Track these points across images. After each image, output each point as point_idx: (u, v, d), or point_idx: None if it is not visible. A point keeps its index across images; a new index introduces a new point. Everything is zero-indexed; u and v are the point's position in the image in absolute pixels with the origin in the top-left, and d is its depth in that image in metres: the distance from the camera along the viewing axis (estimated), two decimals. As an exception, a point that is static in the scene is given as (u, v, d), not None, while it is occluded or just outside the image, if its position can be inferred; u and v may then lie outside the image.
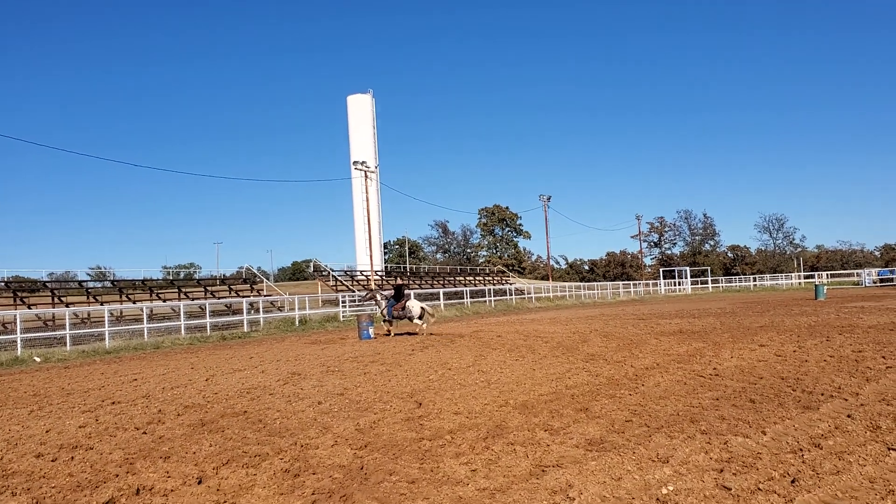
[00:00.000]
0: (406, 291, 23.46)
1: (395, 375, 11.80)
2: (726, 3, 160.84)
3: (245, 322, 30.89)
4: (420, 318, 22.01)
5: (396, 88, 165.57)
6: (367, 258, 49.68)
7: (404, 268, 75.89)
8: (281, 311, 36.82)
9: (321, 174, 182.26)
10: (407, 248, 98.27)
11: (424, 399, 9.14)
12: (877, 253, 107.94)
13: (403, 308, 22.07)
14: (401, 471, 5.68)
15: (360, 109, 64.09)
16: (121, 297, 40.03)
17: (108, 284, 45.41)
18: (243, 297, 40.15)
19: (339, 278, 56.22)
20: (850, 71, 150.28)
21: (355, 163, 49.97)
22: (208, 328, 29.49)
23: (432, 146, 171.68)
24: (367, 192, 48.91)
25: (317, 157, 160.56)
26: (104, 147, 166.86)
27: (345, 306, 37.00)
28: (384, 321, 22.77)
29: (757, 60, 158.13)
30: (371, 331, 21.94)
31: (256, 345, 22.70)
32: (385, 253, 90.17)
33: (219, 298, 41.41)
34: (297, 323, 32.59)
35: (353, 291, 46.72)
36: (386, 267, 71.18)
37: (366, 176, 48.21)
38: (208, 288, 44.91)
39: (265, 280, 54.91)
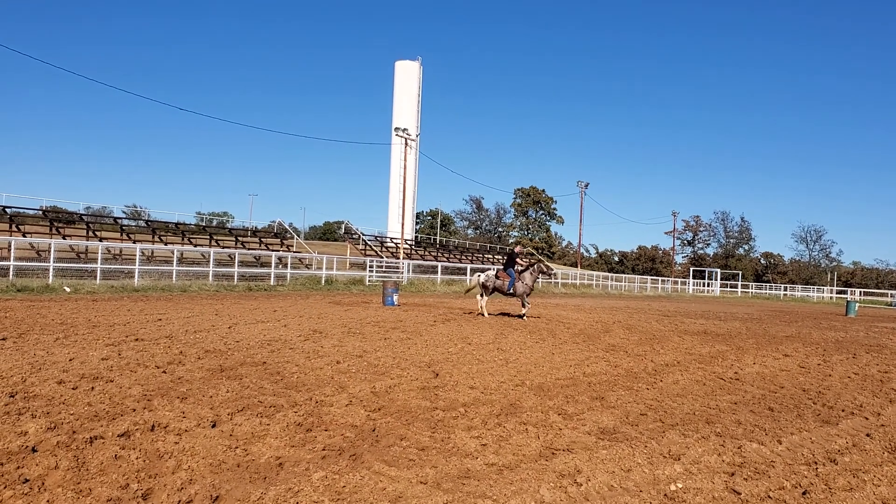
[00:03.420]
0: (520, 261, 19.64)
1: (414, 344, 11.83)
2: (782, 7, 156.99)
3: (272, 275, 31.22)
4: (527, 295, 18.99)
5: (445, 61, 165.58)
6: (399, 225, 49.75)
7: (435, 239, 75.97)
8: (308, 268, 37.14)
9: (363, 138, 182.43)
10: (439, 220, 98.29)
11: (442, 370, 9.16)
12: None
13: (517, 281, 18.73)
14: (412, 437, 5.71)
15: (407, 76, 63.91)
16: (153, 237, 40.62)
17: (143, 224, 46.08)
18: (273, 250, 40.53)
19: (369, 243, 56.49)
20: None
21: (397, 129, 49.88)
22: (235, 277, 29.88)
23: (475, 122, 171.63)
24: (405, 160, 48.86)
25: (360, 120, 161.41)
26: (151, 88, 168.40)
27: (371, 271, 37.14)
28: (480, 296, 19.26)
29: (808, 71, 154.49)
30: (396, 297, 21.94)
31: (281, 299, 22.93)
32: (417, 223, 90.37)
33: (249, 249, 41.86)
34: (322, 282, 32.85)
35: (381, 257, 46.94)
36: (416, 237, 71.33)
37: (406, 143, 48.13)
38: (239, 238, 45.42)
39: (296, 237, 55.42)
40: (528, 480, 4.69)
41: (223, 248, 39.82)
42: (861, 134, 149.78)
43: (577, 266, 78.42)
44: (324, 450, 5.24)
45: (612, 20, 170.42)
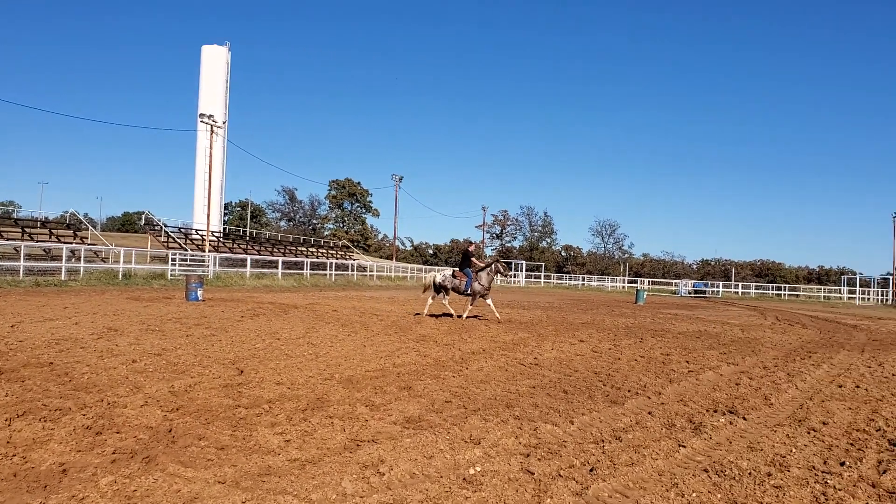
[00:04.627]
0: (476, 261, 19.26)
1: (219, 341, 11.40)
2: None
3: (63, 270, 28.88)
4: (484, 296, 18.66)
5: (258, 51, 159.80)
6: (205, 217, 47.64)
7: (245, 231, 73.62)
8: (105, 262, 34.73)
9: (168, 124, 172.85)
10: (249, 212, 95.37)
11: (247, 367, 8.89)
12: (695, 266, 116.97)
13: (472, 280, 18.44)
14: (211, 436, 5.49)
15: (215, 61, 61.58)
16: (-81, 228, 36.23)
17: None
18: (65, 243, 37.51)
19: (172, 234, 53.81)
20: (689, 103, 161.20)
21: (202, 115, 47.64)
22: (21, 272, 27.32)
23: (290, 113, 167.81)
24: (211, 148, 46.85)
25: (165, 106, 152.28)
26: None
27: (175, 264, 35.37)
28: (435, 296, 18.91)
29: (586, 80, 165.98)
30: (200, 292, 20.97)
31: (74, 295, 21.25)
32: (226, 214, 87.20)
33: (38, 242, 38.51)
34: (120, 277, 30.81)
35: (186, 250, 44.85)
36: (225, 228, 68.84)
37: (212, 130, 46.13)
38: (27, 229, 41.59)
39: (91, 228, 51.57)
40: (331, 473, 4.65)
41: (8, 240, 36.29)
42: (648, 135, 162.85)
43: (392, 259, 79.18)
44: (114, 453, 4.92)
45: (423, 13, 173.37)
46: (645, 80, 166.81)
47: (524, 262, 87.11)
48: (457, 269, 19.20)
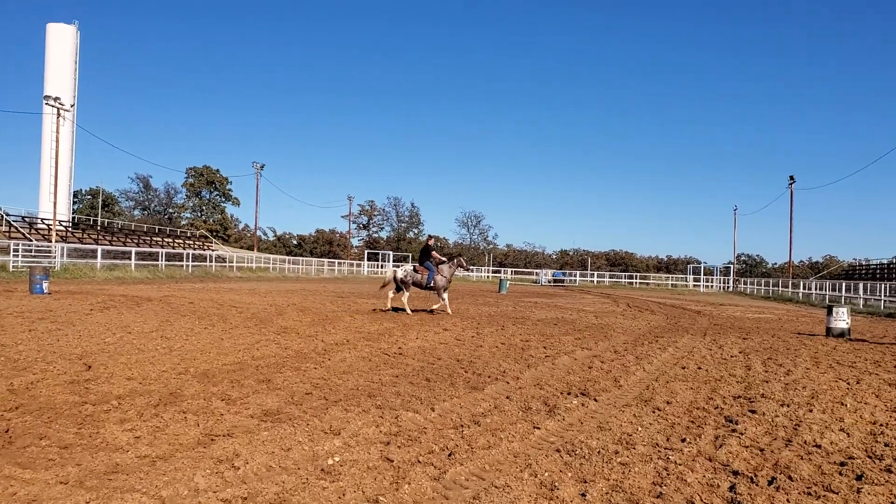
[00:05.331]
0: (436, 255, 19.28)
1: (65, 335, 10.76)
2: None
3: None
4: (444, 290, 18.75)
5: (111, 32, 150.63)
6: (52, 205, 44.65)
7: (96, 221, 69.59)
8: (-66, 253, 31.94)
9: (11, 106, 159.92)
10: (101, 200, 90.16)
11: (96, 362, 8.44)
12: (554, 256, 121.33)
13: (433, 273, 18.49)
14: (54, 435, 5.18)
15: (62, 41, 57.74)
16: None
17: None
18: None
19: (15, 224, 50.15)
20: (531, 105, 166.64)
21: (47, 97, 44.49)
22: None
23: (144, 98, 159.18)
24: (57, 132, 43.88)
25: (7, 87, 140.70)
26: None
27: (17, 255, 32.98)
28: (395, 292, 18.92)
29: (453, 70, 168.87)
30: (46, 285, 19.66)
31: None
32: (75, 203, 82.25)
33: None
34: (-47, 269, 28.35)
35: (31, 240, 41.95)
36: (74, 218, 64.82)
37: (59, 114, 43.21)
38: None
39: (-83, 216, 47.23)
40: (184, 469, 4.49)
41: None
42: (507, 129, 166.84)
43: (253, 249, 77.20)
44: (-62, 460, 4.53)
45: (285, 4, 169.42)
46: (504, 72, 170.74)
47: (391, 252, 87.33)
48: (417, 263, 19.17)
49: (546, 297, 35.59)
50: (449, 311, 18.92)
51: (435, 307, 19.26)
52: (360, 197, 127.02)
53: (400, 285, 18.70)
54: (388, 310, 18.60)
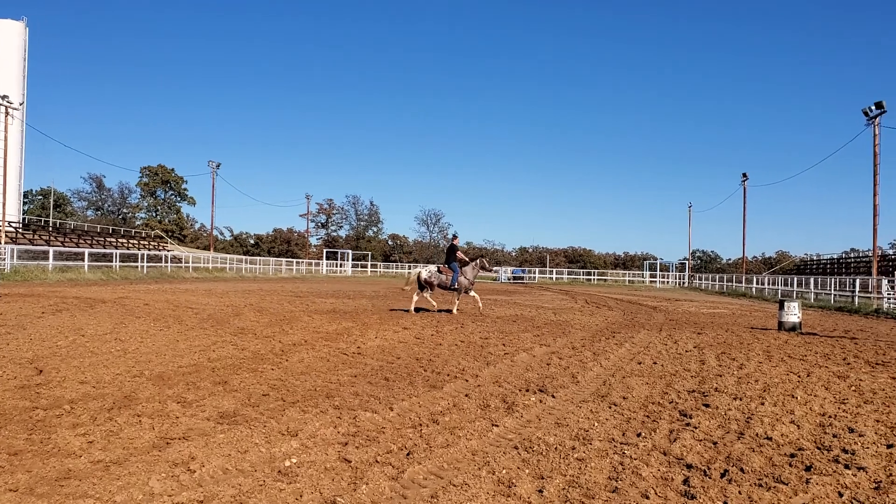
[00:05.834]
0: (461, 255, 19.32)
1: (15, 339, 10.52)
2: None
3: None
4: (468, 291, 19.03)
5: (63, 30, 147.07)
6: (0, 206, 43.50)
7: (47, 222, 67.96)
8: None
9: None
10: (52, 200, 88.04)
11: (47, 366, 8.26)
12: (514, 253, 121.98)
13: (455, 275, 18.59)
14: (3, 442, 5.07)
15: (9, 37, 56.39)
16: None
17: None
18: None
19: (-39, 225, 48.76)
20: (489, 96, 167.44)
21: (-6, 95, 43.42)
22: None
23: (96, 97, 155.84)
24: (6, 131, 42.80)
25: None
26: None
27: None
28: (420, 293, 19.05)
29: (421, 69, 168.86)
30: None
31: None
32: (25, 203, 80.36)
33: None
34: None
35: (-22, 242, 40.83)
36: (24, 219, 63.29)
37: (7, 112, 42.12)
38: None
39: None
40: (138, 473, 4.42)
41: None
42: (468, 126, 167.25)
43: (210, 249, 76.16)
44: None
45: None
46: (460, 69, 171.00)
47: (350, 251, 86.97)
48: (442, 264, 19.18)
49: (506, 294, 35.79)
50: (480, 309, 19.76)
51: (454, 307, 19.11)
52: (319, 195, 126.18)
53: (424, 285, 18.88)
54: (412, 310, 18.65)
